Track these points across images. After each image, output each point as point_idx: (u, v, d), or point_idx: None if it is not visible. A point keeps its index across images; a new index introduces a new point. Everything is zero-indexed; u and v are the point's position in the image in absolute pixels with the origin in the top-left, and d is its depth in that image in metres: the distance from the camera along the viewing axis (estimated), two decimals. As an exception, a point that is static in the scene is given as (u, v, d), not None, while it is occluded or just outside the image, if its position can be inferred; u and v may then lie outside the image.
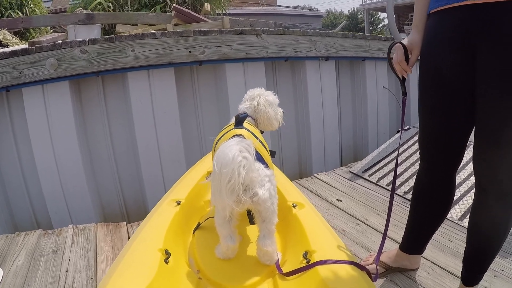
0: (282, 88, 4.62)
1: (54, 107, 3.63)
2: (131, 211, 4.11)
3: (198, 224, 2.04)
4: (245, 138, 1.67)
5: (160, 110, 3.91)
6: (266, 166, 1.69)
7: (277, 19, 20.92)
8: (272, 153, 2.05)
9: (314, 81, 4.63)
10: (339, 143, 5.07)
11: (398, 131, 4.24)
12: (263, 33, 4.13)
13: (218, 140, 1.92)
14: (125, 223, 3.23)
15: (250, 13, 19.41)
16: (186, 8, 5.99)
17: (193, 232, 2.02)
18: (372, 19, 37.84)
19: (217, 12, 7.90)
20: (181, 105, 4.05)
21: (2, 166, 3.74)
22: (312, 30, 4.57)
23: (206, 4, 6.41)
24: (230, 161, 1.41)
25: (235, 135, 1.72)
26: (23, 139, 3.70)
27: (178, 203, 2.05)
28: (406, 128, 4.22)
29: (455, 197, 3.05)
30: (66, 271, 2.48)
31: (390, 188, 3.40)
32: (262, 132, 2.24)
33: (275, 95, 2.27)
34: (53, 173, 3.68)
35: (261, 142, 1.84)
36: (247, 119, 2.09)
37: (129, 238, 2.90)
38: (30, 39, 6.13)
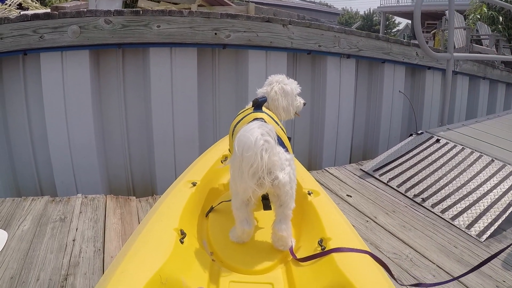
0: (301, 80, 4.48)
1: (71, 75, 3.62)
2: (138, 187, 4.12)
3: (212, 207, 2.03)
4: (265, 122, 1.67)
5: (179, 89, 3.90)
6: (286, 150, 1.67)
7: (294, 12, 20.86)
8: (289, 139, 1.99)
9: (334, 77, 4.64)
10: (351, 142, 5.09)
11: (411, 134, 4.24)
12: (290, 24, 4.14)
13: (236, 124, 1.89)
14: (134, 197, 3.19)
15: (269, 3, 19.35)
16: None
17: (206, 215, 2.00)
18: (388, 22, 37.65)
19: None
20: (200, 87, 4.05)
21: (10, 131, 3.73)
22: (337, 27, 4.57)
23: (231, -13, 6.40)
24: (252, 144, 1.39)
25: (256, 119, 1.72)
26: (35, 105, 3.69)
27: (194, 184, 2.03)
28: (419, 132, 4.23)
29: (464, 206, 3.08)
30: (73, 240, 2.47)
31: (400, 189, 3.43)
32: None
33: (295, 83, 2.20)
34: (63, 142, 3.68)
35: (280, 127, 1.82)
36: (264, 104, 2.05)
37: (138, 213, 2.93)
38: (50, 5, 6.13)
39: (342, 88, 4.74)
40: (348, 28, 5.14)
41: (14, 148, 3.76)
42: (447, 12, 9.70)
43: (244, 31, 3.94)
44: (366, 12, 46.13)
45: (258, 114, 1.82)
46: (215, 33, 3.84)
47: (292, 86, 2.18)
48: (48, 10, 4.51)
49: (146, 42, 3.71)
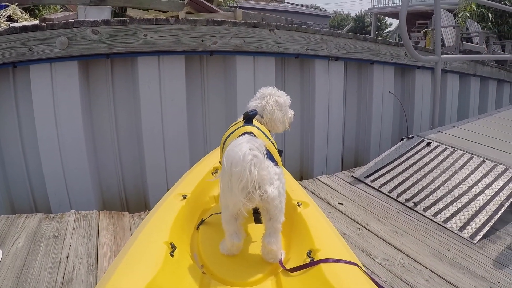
0: (290, 85, 4.63)
1: (61, 86, 3.60)
2: (130, 198, 4.10)
3: (202, 220, 2.02)
4: (255, 136, 1.67)
5: (168, 98, 3.89)
6: (276, 164, 1.67)
7: (285, 16, 20.89)
8: (280, 152, 2.00)
9: (323, 80, 4.63)
10: (342, 145, 5.08)
11: (401, 139, 4.23)
12: (276, 28, 4.13)
13: (227, 138, 1.90)
14: (127, 212, 3.20)
15: (259, 8, 19.43)
16: (199, -3, 5.97)
17: (197, 228, 2.00)
18: (379, 23, 37.74)
19: (228, 4, 7.89)
20: (189, 94, 4.04)
21: (2, 145, 3.70)
22: (325, 29, 4.58)
23: (219, -7, 6.40)
24: (240, 159, 1.39)
25: (245, 132, 1.72)
26: (26, 117, 3.67)
27: (184, 197, 2.03)
28: (410, 136, 4.22)
29: (456, 208, 3.06)
30: (67, 257, 2.47)
31: (392, 195, 3.42)
32: (269, 131, 2.23)
33: (286, 95, 2.22)
34: (55, 153, 3.66)
35: (270, 140, 1.82)
36: (255, 117, 2.05)
37: (131, 228, 2.92)
38: (40, 16, 6.10)
39: (331, 91, 4.73)
40: (340, 30, 5.14)
41: (7, 164, 3.73)
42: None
43: (231, 37, 3.93)
44: (358, 14, 46.25)
45: (248, 128, 1.83)
46: (202, 40, 3.83)
47: (284, 98, 2.20)
48: (37, 22, 4.49)
49: (134, 51, 3.71)
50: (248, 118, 1.94)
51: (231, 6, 8.26)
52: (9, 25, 4.48)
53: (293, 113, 2.27)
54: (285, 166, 4.48)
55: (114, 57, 3.78)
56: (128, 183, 4.07)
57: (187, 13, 5.13)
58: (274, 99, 2.14)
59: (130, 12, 5.83)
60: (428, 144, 4.01)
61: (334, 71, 4.71)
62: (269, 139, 1.83)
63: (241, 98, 4.01)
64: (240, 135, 1.64)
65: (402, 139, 4.25)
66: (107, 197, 4.01)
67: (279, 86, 4.33)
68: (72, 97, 3.63)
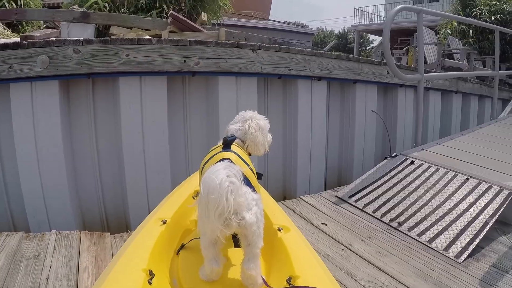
0: (273, 105, 4.63)
1: (41, 106, 3.54)
2: (111, 218, 4.04)
3: (182, 245, 2.01)
4: (233, 162, 1.69)
5: (149, 119, 3.86)
6: (253, 190, 1.67)
7: (269, 33, 21.01)
8: (259, 176, 2.04)
9: (305, 100, 4.64)
10: (325, 164, 5.07)
11: (385, 158, 4.23)
12: (259, 49, 4.13)
13: (205, 163, 1.91)
14: (109, 233, 3.16)
15: (243, 25, 19.52)
16: (183, 16, 5.97)
17: (177, 253, 1.98)
18: (362, 40, 38.20)
19: (212, 22, 7.90)
20: (171, 115, 4.01)
21: None
22: (308, 49, 4.58)
23: (203, 13, 6.40)
24: (217, 186, 1.40)
25: (223, 159, 1.73)
26: (6, 134, 3.60)
27: (164, 222, 2.02)
28: (393, 155, 4.23)
29: (441, 227, 3.06)
30: (47, 279, 2.41)
31: (376, 215, 3.41)
32: (250, 154, 2.23)
33: (266, 119, 2.24)
34: (34, 173, 3.58)
35: (249, 166, 1.82)
36: (236, 141, 2.08)
37: (112, 250, 2.88)
38: (22, 32, 6.07)
39: (313, 111, 4.73)
40: (323, 47, 5.16)
41: None
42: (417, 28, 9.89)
43: (214, 58, 3.92)
44: (341, 31, 46.79)
45: (226, 154, 1.83)
46: (184, 61, 3.81)
47: (264, 121, 2.22)
48: (18, 39, 4.44)
49: (115, 71, 3.67)
50: (227, 144, 1.95)
51: (214, 24, 8.29)
52: None
53: (271, 136, 2.29)
54: (267, 186, 4.52)
55: (95, 77, 3.74)
56: (109, 203, 4.01)
57: (170, 32, 5.13)
58: (255, 122, 2.16)
59: (114, 30, 5.82)
60: (412, 162, 4.02)
61: (316, 91, 4.72)
62: (247, 165, 1.83)
63: (223, 118, 3.98)
64: (217, 161, 1.66)
65: (385, 158, 4.25)
66: (88, 218, 3.94)
67: (261, 106, 4.40)
68: (52, 117, 3.58)
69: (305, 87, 4.60)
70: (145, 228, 2.00)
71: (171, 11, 5.41)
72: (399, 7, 4.35)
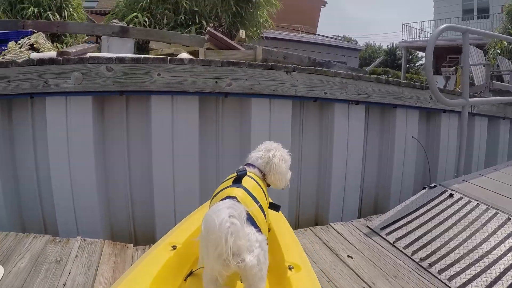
0: (308, 129, 4.49)
1: (75, 120, 3.64)
2: (139, 233, 4.06)
3: (191, 272, 1.97)
4: (238, 200, 1.65)
5: (180, 139, 3.85)
6: (259, 230, 1.64)
7: (315, 47, 20.96)
8: (276, 207, 2.07)
9: (342, 125, 4.48)
10: (360, 191, 4.88)
11: (424, 188, 4.03)
12: (294, 71, 4.03)
13: (216, 194, 1.90)
14: (132, 245, 3.23)
15: (289, 39, 19.50)
16: (222, 32, 5.97)
17: (185, 279, 1.95)
18: (410, 56, 37.54)
19: (253, 37, 7.88)
20: (202, 136, 3.99)
21: (19, 169, 3.79)
22: (345, 72, 4.43)
23: (241, 31, 6.39)
24: (217, 227, 1.39)
25: (228, 196, 1.71)
26: (42, 145, 3.73)
27: (174, 247, 2.01)
28: (432, 185, 4.01)
29: (474, 272, 2.85)
30: (64, 285, 2.49)
31: (407, 251, 3.22)
32: (268, 186, 2.19)
33: (289, 154, 2.24)
34: (66, 185, 3.68)
35: (258, 203, 1.79)
36: (254, 170, 2.09)
37: (132, 261, 2.94)
38: (65, 42, 6.19)
39: (350, 137, 4.56)
40: (371, 62, 5.01)
41: (21, 185, 3.81)
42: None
43: (246, 80, 3.86)
44: (389, 46, 46.17)
45: (234, 191, 1.79)
46: (216, 82, 3.77)
47: (288, 156, 2.23)
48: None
49: (147, 90, 3.70)
50: (238, 178, 1.92)
51: (262, 37, 8.32)
52: (30, 54, 4.56)
53: (290, 174, 2.28)
54: (299, 210, 4.40)
55: (128, 94, 3.79)
56: (138, 218, 4.04)
57: (207, 49, 5.11)
58: (280, 153, 2.15)
59: (153, 45, 5.89)
60: (451, 195, 3.80)
61: (354, 115, 4.55)
62: (257, 202, 1.80)
63: (255, 141, 3.77)
64: (223, 199, 1.66)
65: (424, 188, 4.05)
66: (116, 230, 4.00)
67: (296, 130, 4.32)
68: (85, 131, 3.67)
69: (342, 111, 4.45)
70: (153, 253, 2.01)
71: (209, 27, 5.39)
72: (443, 26, 4.15)
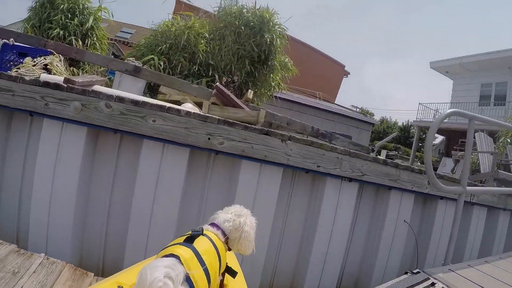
0: (296, 200, 4.40)
1: (67, 145, 3.75)
2: (107, 263, 4.02)
3: None
4: (180, 261, 1.64)
5: (164, 187, 3.84)
6: None
7: (330, 115, 21.12)
8: (233, 274, 2.05)
9: (331, 200, 4.38)
10: (341, 269, 4.72)
11: (406, 273, 3.87)
12: (289, 139, 4.01)
13: (164, 248, 1.87)
14: (93, 274, 3.24)
15: (303, 104, 19.70)
16: (233, 88, 6.03)
17: None
18: (424, 135, 37.70)
19: (263, 98, 7.94)
20: (187, 189, 3.97)
21: (5, 176, 3.94)
22: (342, 148, 4.36)
23: (250, 91, 6.45)
24: (147, 284, 1.40)
25: (172, 254, 1.69)
26: (31, 160, 3.85)
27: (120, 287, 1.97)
28: (415, 271, 3.85)
29: None
30: None
31: None
32: (229, 249, 2.15)
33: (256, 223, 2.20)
34: (45, 201, 3.74)
35: (204, 266, 1.76)
36: (216, 231, 2.07)
37: None
38: (82, 68, 6.32)
39: (338, 213, 4.44)
40: (385, 137, 4.93)
41: (4, 191, 3.93)
42: (476, 134, 9.38)
43: (239, 141, 3.85)
44: (404, 123, 46.53)
45: (179, 250, 1.76)
46: (209, 138, 3.78)
47: (255, 223, 2.22)
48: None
49: (140, 133, 3.74)
50: (190, 238, 1.89)
51: (274, 97, 8.37)
52: (40, 74, 4.72)
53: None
54: (275, 276, 4.25)
55: (122, 134, 3.84)
56: (109, 249, 4.00)
57: (212, 103, 5.13)
58: (250, 220, 2.15)
59: (163, 89, 5.99)
60: (433, 284, 3.64)
61: (346, 192, 4.46)
62: (203, 264, 1.76)
63: (238, 202, 3.79)
64: (166, 255, 1.67)
65: (406, 273, 3.90)
66: (85, 255, 3.97)
67: (283, 199, 4.23)
68: (74, 158, 3.75)
69: (333, 187, 4.37)
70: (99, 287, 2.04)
71: (217, 83, 5.43)
72: (449, 111, 4.09)
